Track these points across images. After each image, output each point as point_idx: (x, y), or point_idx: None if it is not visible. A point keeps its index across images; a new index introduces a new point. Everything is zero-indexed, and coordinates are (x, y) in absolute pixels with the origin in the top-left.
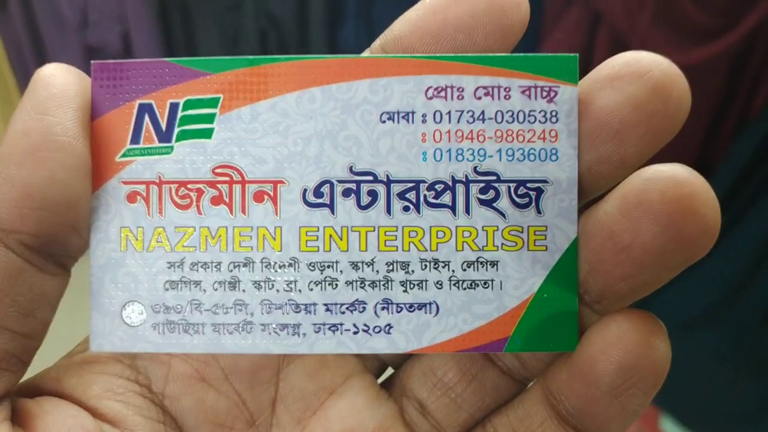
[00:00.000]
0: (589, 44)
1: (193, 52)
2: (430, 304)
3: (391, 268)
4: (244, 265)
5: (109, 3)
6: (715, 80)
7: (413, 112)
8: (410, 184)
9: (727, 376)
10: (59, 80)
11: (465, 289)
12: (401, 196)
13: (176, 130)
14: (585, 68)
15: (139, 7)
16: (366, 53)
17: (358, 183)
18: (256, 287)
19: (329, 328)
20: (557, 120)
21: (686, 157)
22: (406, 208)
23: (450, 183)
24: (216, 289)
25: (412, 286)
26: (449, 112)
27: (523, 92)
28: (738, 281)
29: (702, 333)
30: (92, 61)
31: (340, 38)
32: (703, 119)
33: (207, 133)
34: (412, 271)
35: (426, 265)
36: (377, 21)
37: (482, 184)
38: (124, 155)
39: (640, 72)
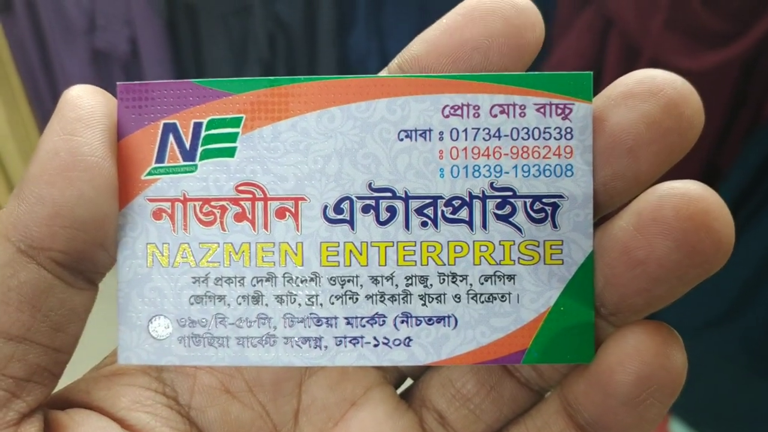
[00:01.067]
0: (600, 50)
1: (200, 56)
2: (448, 317)
3: (410, 282)
4: (267, 280)
5: (116, 7)
6: (727, 85)
7: (430, 130)
8: (428, 200)
9: (738, 378)
10: (86, 102)
11: (483, 302)
12: (419, 211)
13: (200, 149)
14: (596, 74)
15: (146, 12)
16: (383, 73)
17: (377, 199)
18: (278, 301)
19: (350, 341)
20: (572, 137)
21: (697, 161)
22: (424, 224)
23: (467, 199)
24: (240, 303)
25: (430, 299)
26: (465, 130)
27: (538, 110)
28: (749, 283)
29: (712, 336)
30: (118, 83)
31: (349, 43)
32: (714, 124)
33: (230, 152)
34: (431, 285)
35: (444, 279)
36: (386, 26)
37: (499, 200)
38: (149, 174)
39: (654, 90)
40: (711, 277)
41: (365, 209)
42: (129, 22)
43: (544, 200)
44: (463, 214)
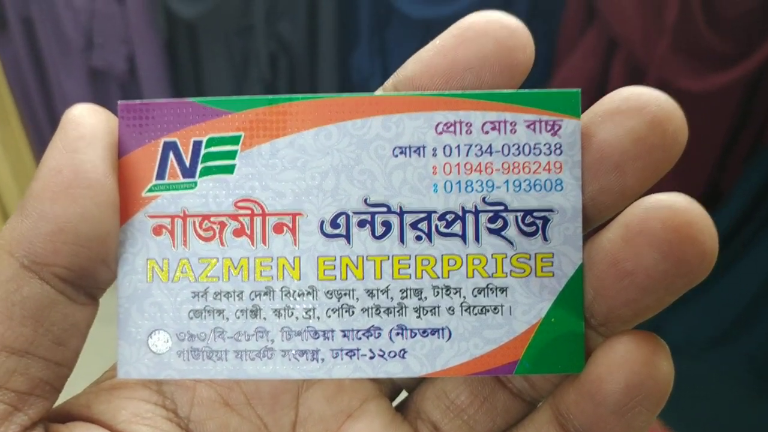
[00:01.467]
0: (604, 70)
1: (200, 76)
2: (442, 329)
3: (405, 295)
4: (265, 294)
5: (114, 25)
6: (730, 106)
7: (424, 147)
8: (422, 215)
9: (741, 398)
10: (88, 120)
11: (476, 314)
12: (414, 226)
13: (200, 166)
14: (600, 95)
15: (145, 30)
16: (379, 92)
17: (373, 214)
18: (276, 315)
19: (346, 354)
20: (561, 152)
21: (699, 182)
22: (418, 238)
23: (460, 213)
24: (238, 317)
25: (425, 312)
26: (458, 146)
27: (528, 126)
28: (754, 302)
29: (716, 355)
30: (119, 102)
31: (352, 63)
32: (717, 144)
33: (229, 169)
34: (425, 298)
35: (438, 292)
36: (389, 45)
37: (491, 214)
38: (149, 190)
39: (639, 107)
40: (715, 295)
41: (361, 224)
42: (127, 41)
43: (535, 214)
44: (457, 228)
